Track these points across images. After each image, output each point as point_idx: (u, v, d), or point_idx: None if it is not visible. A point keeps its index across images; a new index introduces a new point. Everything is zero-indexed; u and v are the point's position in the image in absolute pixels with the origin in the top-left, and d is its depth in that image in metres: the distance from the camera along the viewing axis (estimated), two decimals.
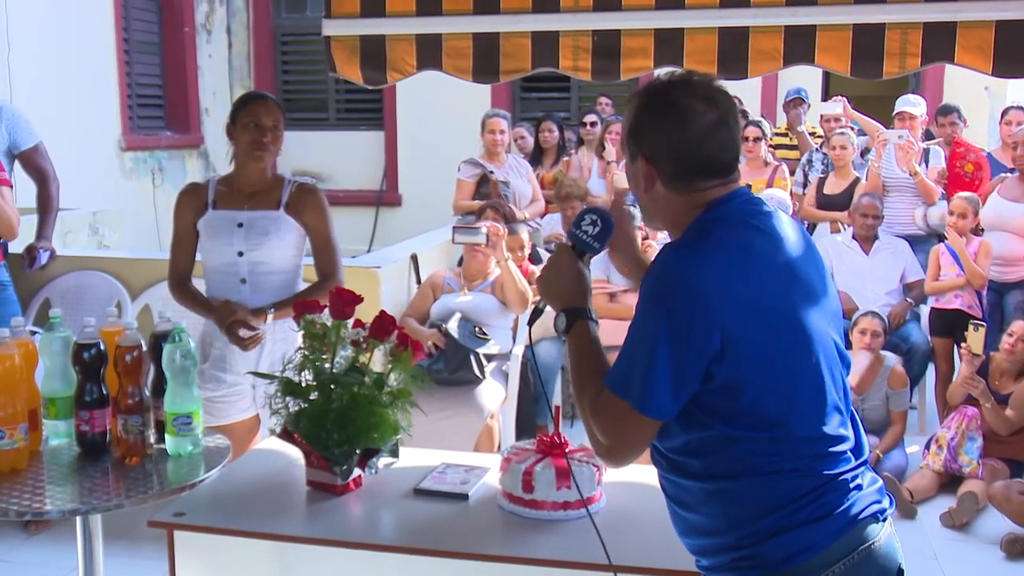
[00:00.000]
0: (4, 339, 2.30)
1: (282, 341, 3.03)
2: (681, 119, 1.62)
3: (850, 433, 1.64)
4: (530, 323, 1.93)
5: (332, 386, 2.21)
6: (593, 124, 6.89)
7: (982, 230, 5.22)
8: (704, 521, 1.62)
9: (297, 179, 3.17)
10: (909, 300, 5.34)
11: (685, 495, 1.64)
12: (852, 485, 1.59)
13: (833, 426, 1.60)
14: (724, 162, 1.65)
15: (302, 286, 3.16)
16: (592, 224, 1.81)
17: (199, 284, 3.17)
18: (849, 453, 1.62)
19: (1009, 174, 5.36)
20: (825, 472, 1.57)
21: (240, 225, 3.02)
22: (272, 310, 2.99)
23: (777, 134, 7.35)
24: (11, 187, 3.95)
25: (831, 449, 1.59)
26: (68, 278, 4.74)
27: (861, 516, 1.58)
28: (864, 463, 1.64)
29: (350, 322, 2.30)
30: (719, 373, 1.53)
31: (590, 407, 1.62)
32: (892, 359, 4.83)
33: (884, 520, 1.61)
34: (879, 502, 1.62)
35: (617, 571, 1.80)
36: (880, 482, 1.67)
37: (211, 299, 3.07)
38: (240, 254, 3.02)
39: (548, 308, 1.86)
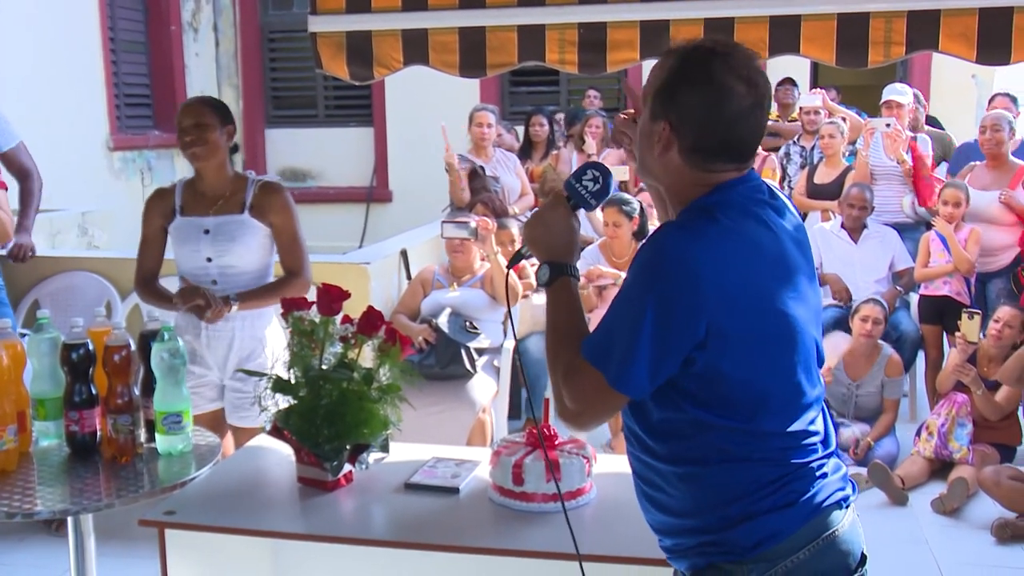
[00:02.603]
0: None
1: (250, 339, 3.10)
2: (718, 97, 1.55)
3: (820, 427, 1.64)
4: (509, 266, 1.90)
5: (321, 382, 2.21)
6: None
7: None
8: (671, 502, 1.62)
9: (260, 178, 3.15)
10: (899, 288, 5.36)
11: (654, 475, 1.63)
12: (818, 473, 1.60)
13: (804, 422, 1.60)
14: (748, 148, 1.62)
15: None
16: (593, 180, 1.74)
17: (172, 283, 3.20)
18: (818, 444, 1.62)
19: (977, 163, 5.35)
20: (793, 461, 1.58)
21: (207, 232, 3.06)
22: (237, 300, 3.02)
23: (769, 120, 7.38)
24: (6, 189, 3.94)
25: (802, 442, 1.60)
26: (57, 279, 4.73)
27: (825, 504, 1.58)
28: (832, 453, 1.65)
29: (338, 318, 2.29)
30: (700, 359, 1.52)
31: (563, 371, 1.60)
32: (889, 347, 4.85)
33: (848, 507, 1.62)
34: (843, 489, 1.62)
35: (583, 560, 1.80)
36: (844, 469, 1.67)
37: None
38: (209, 260, 3.06)
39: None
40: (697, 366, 1.52)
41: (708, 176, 1.60)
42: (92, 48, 7.57)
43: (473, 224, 4.38)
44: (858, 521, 1.65)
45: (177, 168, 8.68)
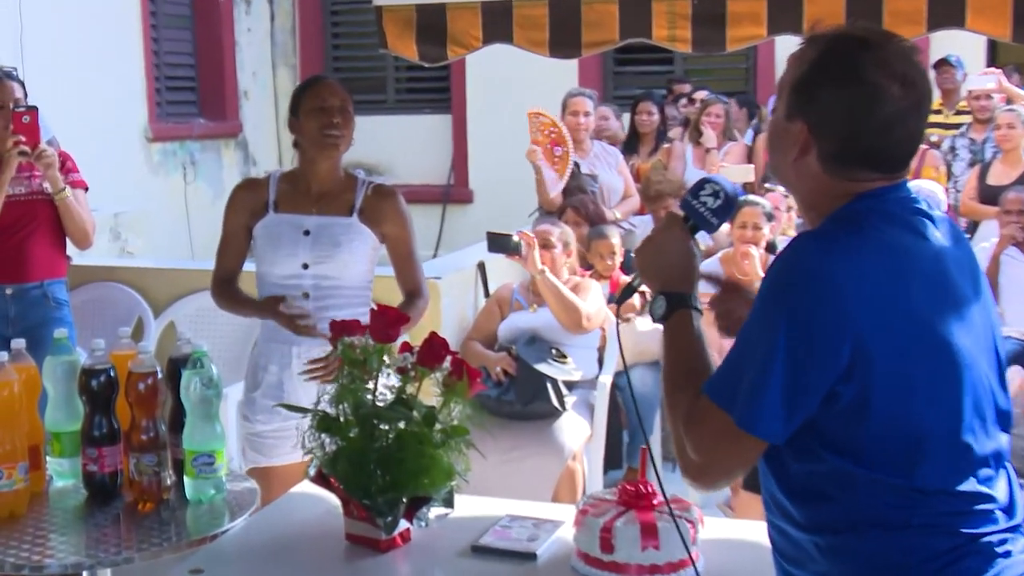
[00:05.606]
0: (2, 364, 2.37)
1: None
2: (869, 99, 1.57)
3: (1002, 493, 1.59)
4: (619, 302, 1.92)
5: (375, 422, 2.22)
6: (692, 101, 6.78)
7: None
8: None
9: (372, 179, 3.20)
10: None
11: (795, 550, 1.61)
12: (999, 550, 1.54)
13: (976, 482, 1.56)
14: (901, 157, 1.64)
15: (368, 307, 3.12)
16: (713, 196, 1.78)
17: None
18: (997, 512, 1.57)
19: None
20: (964, 531, 1.53)
21: (307, 233, 3.06)
22: None
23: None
24: (86, 189, 4.09)
25: (974, 507, 1.55)
26: (83, 291, 4.82)
27: None
28: (1017, 527, 1.59)
29: (396, 346, 2.31)
30: (845, 394, 1.50)
31: (683, 417, 1.61)
32: None
33: None
34: None
35: None
36: None
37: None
38: (305, 266, 3.06)
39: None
40: (841, 402, 1.51)
41: (851, 185, 1.62)
42: (130, 24, 7.82)
43: (516, 239, 4.36)
44: None
45: (224, 162, 8.91)
